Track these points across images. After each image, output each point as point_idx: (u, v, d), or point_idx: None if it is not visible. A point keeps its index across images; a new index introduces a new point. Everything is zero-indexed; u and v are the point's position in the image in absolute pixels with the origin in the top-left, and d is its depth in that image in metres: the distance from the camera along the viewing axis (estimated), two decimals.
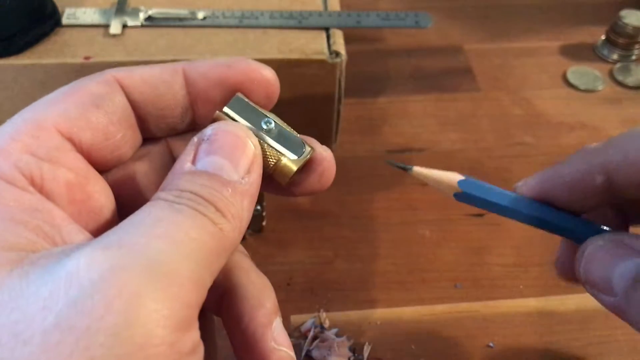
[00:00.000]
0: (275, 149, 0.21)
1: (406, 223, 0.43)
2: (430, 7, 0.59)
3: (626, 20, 0.54)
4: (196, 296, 0.16)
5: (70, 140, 0.20)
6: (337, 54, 0.40)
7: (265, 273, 0.24)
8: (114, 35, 0.40)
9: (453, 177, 0.25)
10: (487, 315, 0.38)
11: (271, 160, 0.21)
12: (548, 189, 0.24)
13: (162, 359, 0.15)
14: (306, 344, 0.36)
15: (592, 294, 0.23)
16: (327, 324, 0.37)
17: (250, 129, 0.20)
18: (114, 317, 0.14)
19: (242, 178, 0.19)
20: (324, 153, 0.22)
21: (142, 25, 0.41)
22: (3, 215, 0.17)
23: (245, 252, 0.24)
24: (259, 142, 0.20)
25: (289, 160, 0.21)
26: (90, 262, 0.15)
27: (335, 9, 0.44)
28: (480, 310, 0.39)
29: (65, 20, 0.41)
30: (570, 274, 0.25)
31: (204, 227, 0.17)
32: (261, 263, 0.24)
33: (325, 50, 0.40)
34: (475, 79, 0.54)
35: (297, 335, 0.37)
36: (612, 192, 0.23)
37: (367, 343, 0.36)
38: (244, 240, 0.41)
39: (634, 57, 0.56)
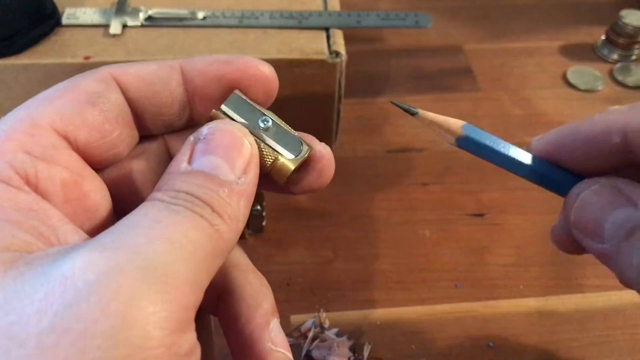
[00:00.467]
0: (273, 148, 0.21)
1: (406, 223, 0.43)
2: (430, 7, 0.59)
3: (626, 20, 0.54)
4: (193, 298, 0.16)
5: (66, 138, 0.19)
6: (337, 53, 0.40)
7: (265, 273, 0.24)
8: (114, 35, 0.40)
9: (457, 121, 0.25)
10: (487, 315, 0.38)
11: (268, 159, 0.20)
12: (564, 143, 0.24)
13: None
14: (306, 344, 0.36)
15: (579, 239, 0.23)
16: (327, 324, 0.37)
17: (247, 127, 0.20)
18: (110, 320, 0.14)
19: (239, 178, 0.18)
20: (323, 150, 0.22)
21: (142, 25, 0.41)
22: None
23: (243, 252, 0.24)
24: (256, 141, 0.20)
25: (286, 160, 0.21)
26: (86, 263, 0.15)
27: (335, 9, 0.44)
28: (480, 310, 0.38)
29: (65, 20, 0.41)
30: (567, 243, 0.25)
31: (200, 229, 0.17)
32: (261, 263, 0.24)
33: (325, 50, 0.40)
34: (475, 79, 0.54)
35: (297, 335, 0.37)
36: (627, 155, 0.23)
37: (367, 343, 0.36)
38: (244, 240, 0.41)
39: (634, 57, 0.56)
